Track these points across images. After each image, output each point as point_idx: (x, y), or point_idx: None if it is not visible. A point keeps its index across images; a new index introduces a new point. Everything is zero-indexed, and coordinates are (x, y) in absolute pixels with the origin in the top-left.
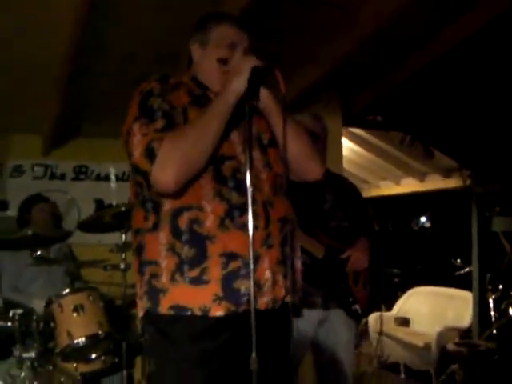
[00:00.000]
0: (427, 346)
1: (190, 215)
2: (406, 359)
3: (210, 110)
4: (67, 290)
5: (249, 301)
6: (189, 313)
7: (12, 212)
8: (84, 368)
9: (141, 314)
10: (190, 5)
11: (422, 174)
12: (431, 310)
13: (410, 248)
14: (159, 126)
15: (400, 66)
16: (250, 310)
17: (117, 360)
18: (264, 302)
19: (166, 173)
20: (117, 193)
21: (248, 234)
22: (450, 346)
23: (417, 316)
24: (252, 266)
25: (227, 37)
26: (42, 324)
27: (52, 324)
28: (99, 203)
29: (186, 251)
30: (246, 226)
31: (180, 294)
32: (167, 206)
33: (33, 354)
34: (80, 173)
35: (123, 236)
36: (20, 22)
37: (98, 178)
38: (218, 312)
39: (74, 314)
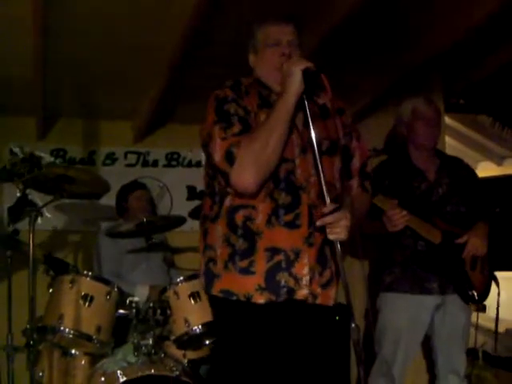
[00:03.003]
0: (509, 332)
1: (244, 213)
2: (485, 345)
3: (274, 113)
4: (182, 278)
5: (288, 292)
6: (234, 298)
7: (105, 200)
8: (192, 355)
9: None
10: None
11: (500, 158)
12: (509, 296)
13: None
14: (236, 130)
15: (495, 54)
16: (290, 300)
17: None
18: (302, 293)
19: (244, 176)
20: None
21: (289, 231)
22: None
23: (494, 301)
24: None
25: (271, 36)
26: (158, 311)
27: (168, 311)
28: (191, 190)
29: (240, 244)
30: (289, 224)
31: (230, 280)
32: (227, 202)
33: (150, 341)
34: (172, 159)
35: None
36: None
37: (190, 164)
38: (260, 300)
39: (192, 301)
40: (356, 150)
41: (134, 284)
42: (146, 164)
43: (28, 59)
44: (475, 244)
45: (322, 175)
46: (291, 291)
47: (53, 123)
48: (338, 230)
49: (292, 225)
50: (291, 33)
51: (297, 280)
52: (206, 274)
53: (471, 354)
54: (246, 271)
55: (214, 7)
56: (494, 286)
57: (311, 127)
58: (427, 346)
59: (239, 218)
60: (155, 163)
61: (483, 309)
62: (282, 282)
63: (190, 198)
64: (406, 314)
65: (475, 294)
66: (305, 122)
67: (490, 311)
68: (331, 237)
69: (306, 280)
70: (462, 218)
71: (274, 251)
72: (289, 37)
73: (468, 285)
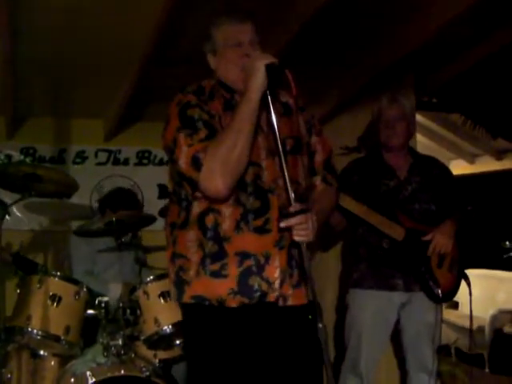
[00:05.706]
0: (480, 329)
1: (214, 216)
2: (458, 342)
3: (238, 113)
4: (151, 277)
5: (261, 296)
6: (207, 303)
7: (76, 199)
8: (162, 355)
9: (174, 299)
10: None
11: (472, 156)
12: (480, 293)
13: None
14: (203, 135)
15: (468, 52)
16: (262, 302)
17: None
18: (274, 296)
19: (214, 180)
20: None
21: (259, 237)
22: (509, 329)
23: (466, 299)
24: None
25: (230, 36)
26: (128, 311)
27: (138, 311)
28: (163, 188)
29: (210, 246)
30: (259, 229)
31: (201, 285)
32: (197, 207)
33: (119, 342)
34: (143, 157)
35: None
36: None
37: (161, 162)
38: (232, 304)
39: (161, 301)
40: (317, 146)
41: (105, 283)
42: (116, 162)
43: None
44: (440, 241)
45: (286, 176)
46: (264, 294)
47: (22, 122)
48: (304, 231)
49: (262, 230)
50: (250, 31)
51: (269, 283)
52: (177, 283)
53: (444, 350)
54: (218, 274)
55: (187, 5)
56: (464, 282)
57: (275, 124)
58: (398, 343)
59: (209, 220)
60: (126, 161)
61: (455, 306)
62: (255, 286)
63: (161, 197)
64: (370, 311)
65: (439, 292)
66: (268, 121)
67: (463, 308)
68: (297, 238)
69: (277, 283)
70: (431, 216)
71: (243, 256)
72: (249, 36)
73: (433, 282)
